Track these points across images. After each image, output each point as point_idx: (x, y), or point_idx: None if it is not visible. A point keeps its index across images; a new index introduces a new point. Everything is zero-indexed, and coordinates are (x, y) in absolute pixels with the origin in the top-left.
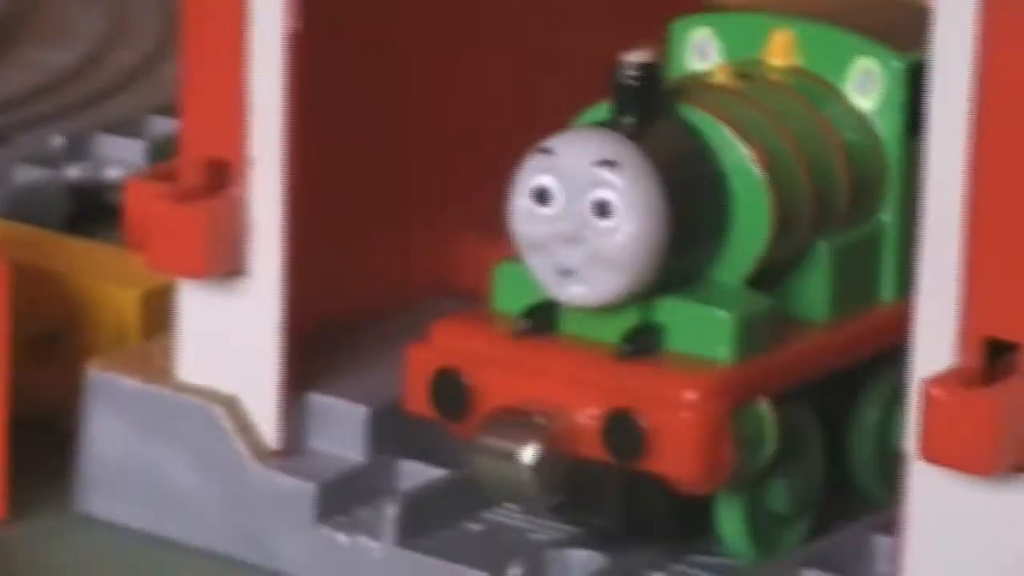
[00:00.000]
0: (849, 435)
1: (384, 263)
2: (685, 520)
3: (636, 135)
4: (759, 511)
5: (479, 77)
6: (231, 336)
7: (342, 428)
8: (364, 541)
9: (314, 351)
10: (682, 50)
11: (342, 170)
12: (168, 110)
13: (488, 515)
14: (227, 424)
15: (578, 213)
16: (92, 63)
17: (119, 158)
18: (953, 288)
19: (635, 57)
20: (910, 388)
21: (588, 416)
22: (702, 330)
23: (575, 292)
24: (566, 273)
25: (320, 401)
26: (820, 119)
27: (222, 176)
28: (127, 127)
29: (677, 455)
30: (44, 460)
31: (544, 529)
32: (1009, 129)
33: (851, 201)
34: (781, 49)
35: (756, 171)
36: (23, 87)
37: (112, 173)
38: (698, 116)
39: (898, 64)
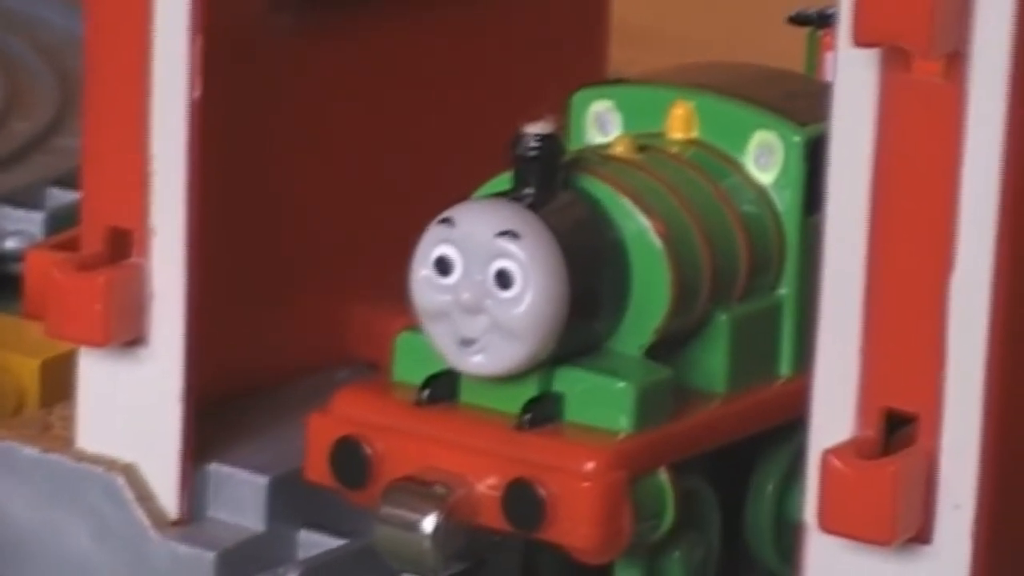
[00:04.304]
0: (747, 506)
1: (285, 332)
2: None
3: (536, 206)
4: None
5: (379, 147)
6: (131, 405)
7: (242, 497)
8: None
9: (214, 420)
10: (582, 122)
11: (243, 240)
12: (67, 181)
13: None
14: (127, 493)
15: (479, 283)
16: None
17: (17, 229)
18: (852, 360)
19: (535, 129)
20: (809, 459)
21: (488, 486)
22: (602, 400)
23: (475, 362)
24: (467, 343)
25: (220, 470)
26: (719, 192)
27: (123, 245)
28: (25, 198)
29: (576, 525)
30: None
31: None
32: (907, 202)
33: (749, 274)
34: (681, 122)
35: (655, 242)
36: None
37: (10, 244)
38: (598, 187)
39: (797, 138)
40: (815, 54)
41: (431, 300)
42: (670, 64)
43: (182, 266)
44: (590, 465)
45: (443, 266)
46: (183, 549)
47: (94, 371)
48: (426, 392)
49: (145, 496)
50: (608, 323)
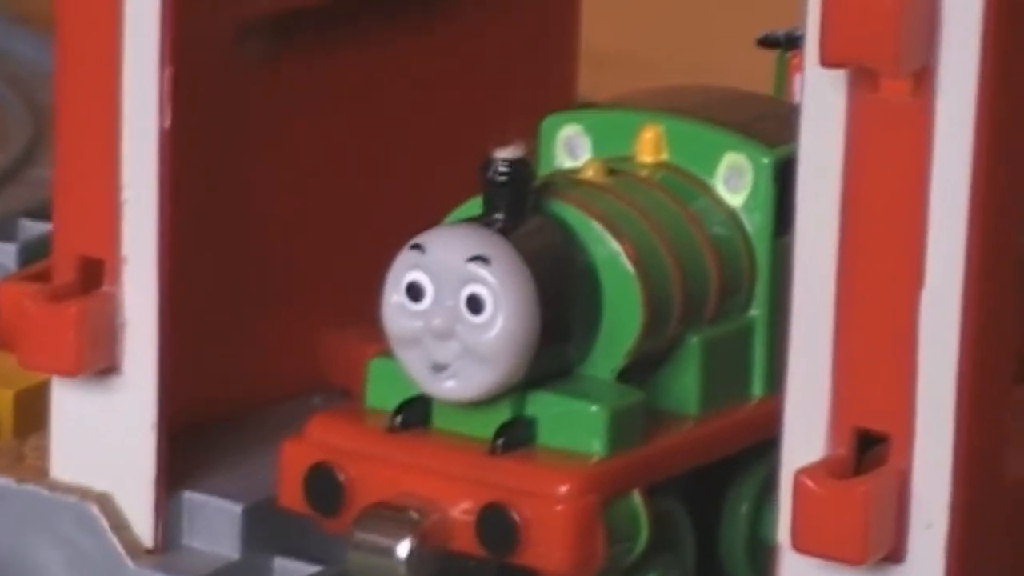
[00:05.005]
0: (721, 527)
1: (257, 360)
2: None
3: (507, 231)
4: None
5: (349, 173)
6: (105, 434)
7: (216, 525)
8: None
9: (188, 448)
10: (552, 147)
11: (215, 268)
12: (39, 213)
13: None
14: (101, 522)
15: (450, 309)
16: None
17: None
18: (823, 379)
19: (505, 153)
20: (781, 479)
21: (462, 511)
22: (574, 424)
23: (447, 387)
24: (439, 368)
25: (194, 498)
26: (689, 214)
27: (95, 275)
28: None
29: (550, 548)
30: None
31: None
32: (876, 221)
33: (720, 296)
34: (650, 145)
35: (626, 265)
36: None
37: None
38: (568, 212)
39: (766, 160)
40: (784, 76)
41: (403, 326)
42: (639, 88)
43: (154, 294)
44: (563, 489)
45: (414, 292)
46: None
47: (67, 401)
48: (399, 418)
49: (119, 525)
50: (580, 347)
